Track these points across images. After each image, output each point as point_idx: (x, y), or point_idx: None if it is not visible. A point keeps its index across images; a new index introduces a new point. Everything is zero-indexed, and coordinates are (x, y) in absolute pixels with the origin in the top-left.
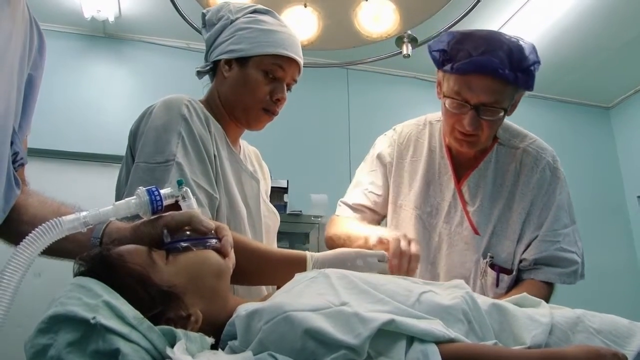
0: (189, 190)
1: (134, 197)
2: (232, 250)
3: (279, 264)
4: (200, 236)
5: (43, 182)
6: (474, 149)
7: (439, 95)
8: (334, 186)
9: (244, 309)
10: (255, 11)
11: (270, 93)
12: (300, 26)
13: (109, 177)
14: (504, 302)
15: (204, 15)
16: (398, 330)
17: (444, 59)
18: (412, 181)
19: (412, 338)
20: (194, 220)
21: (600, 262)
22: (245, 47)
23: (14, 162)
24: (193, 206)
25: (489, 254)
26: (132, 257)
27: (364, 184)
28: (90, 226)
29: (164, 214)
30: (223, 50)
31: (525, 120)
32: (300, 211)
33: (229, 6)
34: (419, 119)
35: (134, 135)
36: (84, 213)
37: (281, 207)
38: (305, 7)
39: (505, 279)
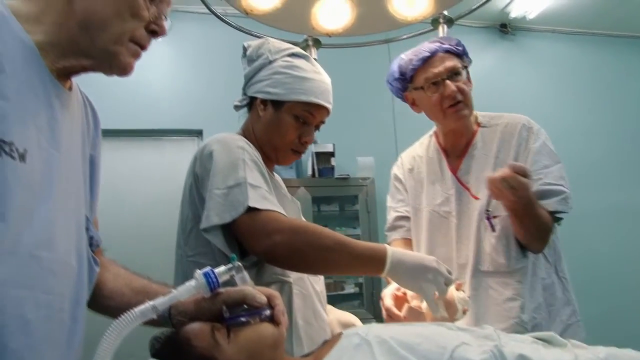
0: (241, 265)
1: (193, 280)
2: (285, 315)
3: (359, 258)
4: (255, 310)
5: None
6: (467, 114)
7: (418, 107)
8: (379, 148)
9: None
10: (292, 54)
11: (299, 136)
12: (334, 16)
13: (154, 151)
14: (531, 349)
15: (244, 48)
16: None
17: (402, 82)
18: (421, 187)
19: None
20: (248, 297)
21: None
22: (281, 92)
23: (90, 245)
24: (246, 278)
25: (487, 210)
26: (199, 340)
27: (392, 205)
28: (159, 312)
29: (221, 291)
30: (260, 90)
31: (570, 59)
32: (348, 175)
33: (269, 45)
34: (416, 142)
35: (195, 174)
36: (151, 302)
37: (329, 170)
38: None
39: (497, 221)
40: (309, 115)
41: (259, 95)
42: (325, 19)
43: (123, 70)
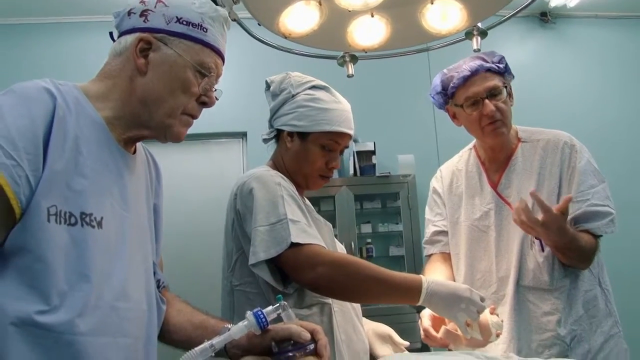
0: (286, 304)
1: (245, 320)
2: (327, 348)
3: (396, 289)
4: (300, 345)
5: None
6: (505, 132)
7: (458, 121)
8: (419, 146)
9: None
10: (313, 87)
11: (326, 163)
12: (370, 33)
13: (201, 153)
14: None
15: (267, 83)
16: None
17: (443, 96)
18: (460, 201)
19: None
20: (294, 334)
21: None
22: (306, 124)
23: (157, 286)
24: (291, 315)
25: None
26: None
27: (430, 218)
28: (217, 349)
29: (270, 328)
30: (285, 123)
31: (615, 44)
32: (389, 172)
33: (290, 80)
34: (455, 155)
35: (237, 210)
36: (209, 342)
37: (370, 168)
38: (372, 16)
39: None
40: (333, 143)
41: (286, 128)
42: (361, 37)
43: (176, 139)
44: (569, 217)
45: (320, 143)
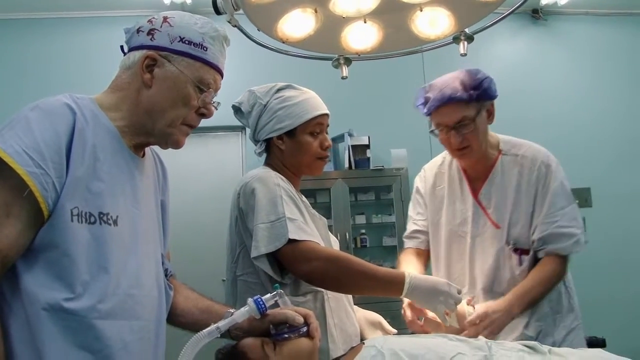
0: (283, 292)
1: (247, 306)
2: (318, 331)
3: (382, 283)
4: (294, 327)
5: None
6: (473, 158)
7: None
8: (412, 140)
9: None
10: (278, 90)
11: (320, 145)
12: (363, 38)
13: (201, 146)
14: (517, 357)
15: (237, 107)
16: None
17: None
18: (441, 204)
19: None
20: (289, 318)
21: None
22: (289, 122)
23: (165, 275)
24: (287, 302)
25: (511, 241)
26: (252, 353)
27: (412, 216)
28: (222, 332)
29: (268, 313)
30: (271, 130)
31: (605, 40)
32: (383, 166)
33: (256, 93)
34: (439, 156)
35: (240, 208)
36: (215, 325)
37: (364, 161)
38: (365, 22)
39: (525, 257)
40: (319, 125)
41: (273, 135)
42: (354, 41)
43: (176, 146)
44: (537, 237)
45: (308, 131)
